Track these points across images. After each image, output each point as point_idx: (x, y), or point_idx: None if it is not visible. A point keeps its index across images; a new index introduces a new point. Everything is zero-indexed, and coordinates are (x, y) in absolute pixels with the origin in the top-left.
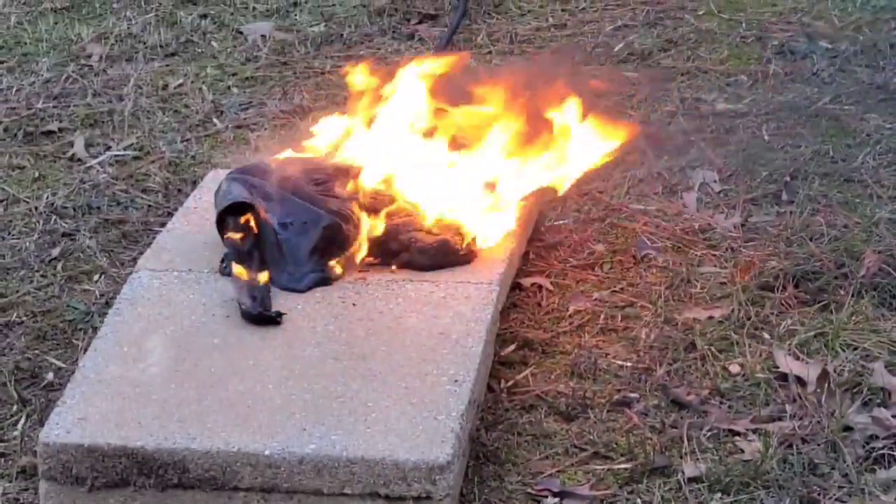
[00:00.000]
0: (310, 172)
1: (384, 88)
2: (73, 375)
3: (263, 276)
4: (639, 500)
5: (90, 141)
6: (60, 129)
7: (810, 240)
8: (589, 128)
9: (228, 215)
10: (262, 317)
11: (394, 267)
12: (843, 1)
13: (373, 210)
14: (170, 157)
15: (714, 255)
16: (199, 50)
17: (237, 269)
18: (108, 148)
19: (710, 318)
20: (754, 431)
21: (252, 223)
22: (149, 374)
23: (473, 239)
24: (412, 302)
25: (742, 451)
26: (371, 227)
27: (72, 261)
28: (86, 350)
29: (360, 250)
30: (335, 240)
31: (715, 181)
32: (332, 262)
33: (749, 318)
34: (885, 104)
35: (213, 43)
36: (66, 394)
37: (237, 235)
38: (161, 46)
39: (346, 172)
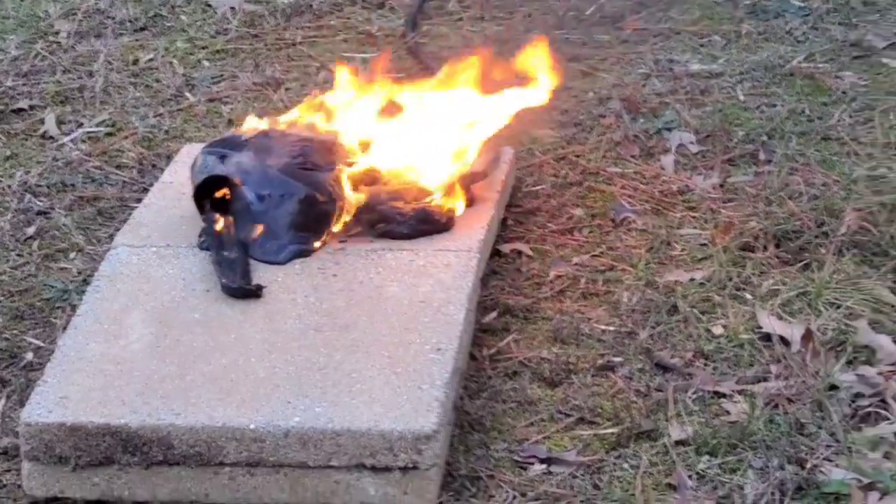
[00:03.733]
0: (286, 145)
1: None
2: (52, 354)
3: (242, 250)
4: (626, 465)
5: (62, 118)
6: (31, 107)
7: (789, 199)
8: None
9: (205, 189)
10: (242, 290)
11: (371, 237)
12: None
13: (350, 181)
14: (143, 133)
15: (693, 217)
16: (169, 24)
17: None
18: (81, 125)
19: (692, 279)
20: (740, 393)
21: (229, 197)
22: (130, 350)
23: (452, 206)
24: (392, 271)
25: (728, 413)
26: (349, 197)
27: (48, 239)
28: (65, 328)
29: (339, 221)
30: (313, 212)
31: (692, 142)
32: (311, 234)
33: (731, 279)
34: (859, 61)
35: (183, 16)
36: (47, 373)
37: (214, 209)
38: (130, 21)
39: (323, 144)
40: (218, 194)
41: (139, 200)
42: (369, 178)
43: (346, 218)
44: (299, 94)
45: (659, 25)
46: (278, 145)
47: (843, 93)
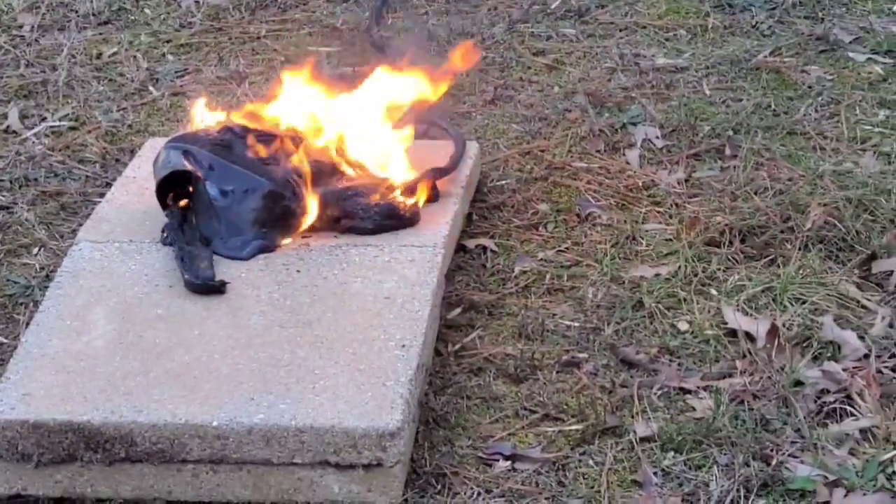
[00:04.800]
0: (249, 140)
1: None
2: (15, 351)
3: (205, 245)
4: (591, 461)
5: (25, 112)
6: None
7: (755, 194)
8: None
9: (168, 184)
10: (205, 286)
11: (336, 233)
12: None
13: (314, 175)
14: (106, 127)
15: (659, 212)
16: (133, 17)
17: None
18: (44, 119)
19: (657, 275)
20: (705, 389)
21: (192, 192)
22: (93, 347)
23: (416, 201)
24: (356, 267)
25: (693, 409)
26: (312, 192)
27: (10, 234)
28: (28, 324)
29: (303, 216)
30: (276, 207)
31: (657, 137)
32: (275, 229)
33: (696, 275)
34: (825, 55)
35: (147, 10)
36: (10, 369)
37: (178, 204)
38: (94, 14)
39: (287, 139)
40: (181, 190)
41: (102, 195)
42: (332, 173)
43: (310, 213)
44: (264, 87)
45: (625, 19)
46: (241, 140)
47: (809, 87)
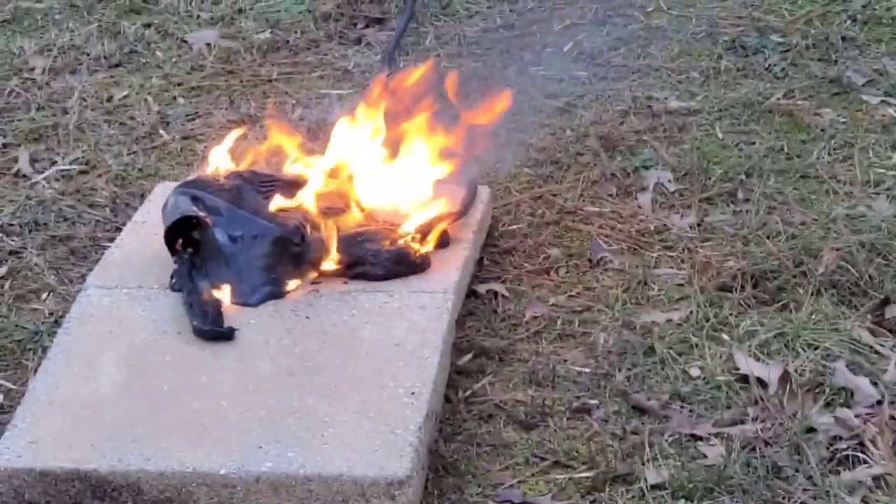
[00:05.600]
0: (259, 185)
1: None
2: (23, 397)
3: (214, 292)
4: None
5: (35, 156)
6: (4, 145)
7: (767, 238)
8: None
9: (177, 230)
10: (214, 333)
11: (346, 279)
12: None
13: (324, 221)
14: (116, 171)
15: (671, 257)
16: (144, 60)
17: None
18: (54, 163)
19: (669, 320)
20: (716, 435)
21: (201, 237)
22: (101, 394)
23: (428, 247)
24: (366, 313)
25: (705, 456)
26: (322, 238)
27: (19, 279)
28: (36, 371)
29: (312, 262)
30: (286, 253)
31: (669, 181)
32: (284, 275)
33: (708, 320)
34: (839, 98)
35: (158, 53)
36: (17, 416)
37: (186, 250)
38: (105, 57)
39: (296, 184)
40: (189, 236)
41: (112, 240)
42: (343, 219)
43: (320, 259)
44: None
45: (637, 61)
46: (251, 185)
47: (822, 130)
